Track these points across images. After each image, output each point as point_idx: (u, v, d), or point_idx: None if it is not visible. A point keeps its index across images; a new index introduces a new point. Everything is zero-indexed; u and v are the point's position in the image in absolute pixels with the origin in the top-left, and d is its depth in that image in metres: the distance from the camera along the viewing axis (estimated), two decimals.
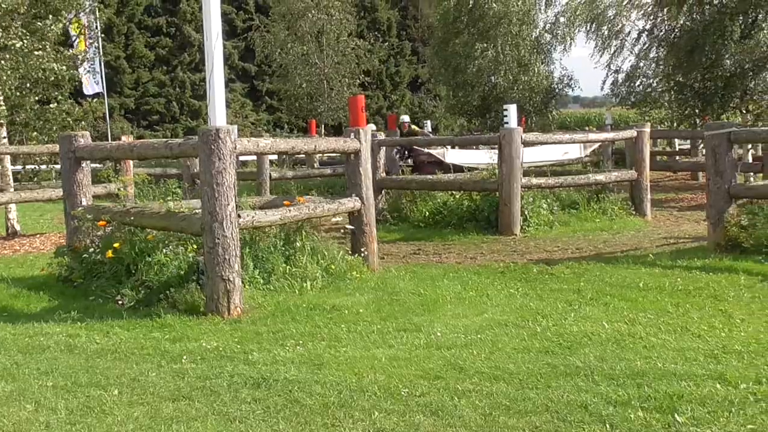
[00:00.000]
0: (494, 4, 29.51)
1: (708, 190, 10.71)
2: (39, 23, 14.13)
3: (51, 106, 14.74)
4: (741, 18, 23.69)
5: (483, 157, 17.17)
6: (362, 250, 9.91)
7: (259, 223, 8.37)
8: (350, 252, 9.92)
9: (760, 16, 24.00)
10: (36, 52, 13.91)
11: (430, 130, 32.12)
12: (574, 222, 13.75)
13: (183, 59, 47.59)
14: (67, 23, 15.26)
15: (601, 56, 30.10)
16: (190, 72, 47.48)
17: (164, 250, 8.39)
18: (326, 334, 6.92)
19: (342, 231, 11.13)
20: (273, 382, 5.59)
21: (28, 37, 13.94)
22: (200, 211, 7.89)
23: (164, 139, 11.10)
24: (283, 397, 5.29)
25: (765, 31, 23.63)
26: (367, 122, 20.56)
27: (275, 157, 21.87)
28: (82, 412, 5.12)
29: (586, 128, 32.13)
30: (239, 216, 7.83)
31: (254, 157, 20.56)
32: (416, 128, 23.82)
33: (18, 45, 13.67)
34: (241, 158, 21.02)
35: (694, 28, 24.44)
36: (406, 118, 23.84)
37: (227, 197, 7.63)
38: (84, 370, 6.02)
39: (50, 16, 14.43)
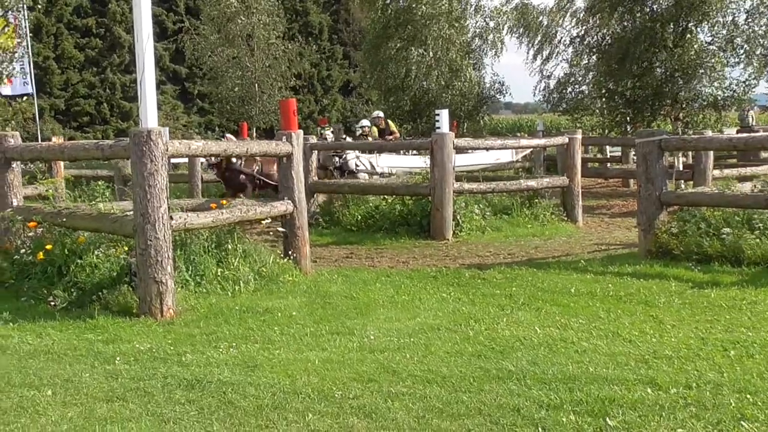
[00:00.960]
0: (423, 6, 29.64)
1: (639, 197, 10.85)
2: None
3: None
4: (672, 26, 24.09)
5: (415, 162, 17.29)
6: (294, 253, 9.92)
7: (191, 225, 8.35)
8: (282, 255, 9.92)
9: (691, 24, 24.44)
10: None
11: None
12: (506, 227, 13.85)
13: (113, 60, 47.10)
14: None
15: (533, 62, 30.45)
16: (120, 73, 47.00)
17: (96, 252, 8.32)
18: (259, 336, 6.93)
19: (273, 234, 11.11)
20: (207, 383, 5.60)
21: None
22: (132, 213, 7.84)
23: (95, 141, 11.00)
24: (216, 399, 5.30)
25: (695, 40, 24.09)
26: (299, 126, 20.11)
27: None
28: (16, 413, 5.08)
29: (518, 134, 32.48)
30: (171, 218, 7.81)
31: (186, 160, 20.38)
32: (393, 125, 23.03)
33: None
34: (173, 161, 20.82)
35: (625, 35, 24.80)
36: (380, 113, 23.02)
37: (159, 199, 7.61)
38: (17, 371, 5.96)
39: None
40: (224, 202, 9.65)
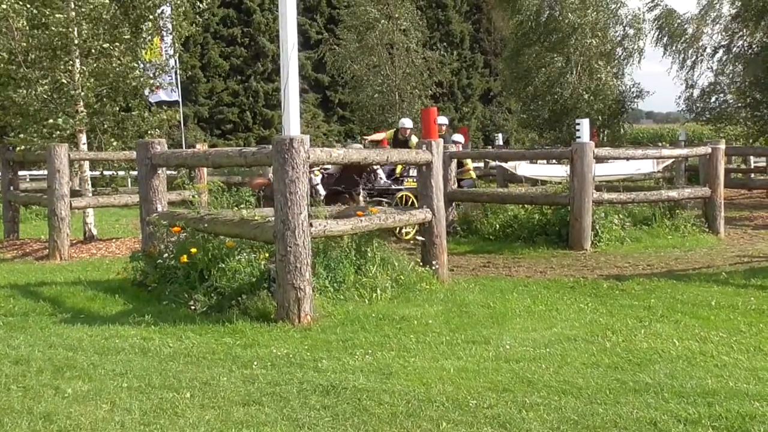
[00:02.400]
0: (570, 15, 29.32)
1: None
2: (126, 35, 14.44)
3: (132, 113, 15.03)
4: None
5: (556, 171, 17.07)
6: (432, 261, 9.93)
7: (330, 233, 8.44)
8: (420, 263, 9.95)
9: None
10: (120, 58, 14.25)
11: (501, 143, 31.96)
12: (645, 238, 13.60)
13: (257, 69, 48.22)
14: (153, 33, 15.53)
15: (678, 71, 29.76)
16: (264, 82, 48.12)
17: (237, 257, 8.51)
18: (395, 343, 6.95)
19: (412, 242, 11.14)
20: (342, 389, 5.64)
21: (115, 45, 14.30)
22: (273, 219, 7.99)
23: (238, 148, 11.25)
24: (351, 405, 5.33)
25: None
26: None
27: None
28: (156, 414, 5.23)
29: (660, 144, 31.74)
30: (311, 225, 7.91)
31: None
32: (414, 142, 17.17)
33: (115, 54, 14.05)
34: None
35: None
36: (407, 123, 18.19)
37: (300, 206, 7.72)
38: (157, 373, 6.14)
39: (145, 25, 14.76)
40: (374, 210, 9.69)
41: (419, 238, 10.19)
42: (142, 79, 14.74)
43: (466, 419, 5.05)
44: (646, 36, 31.14)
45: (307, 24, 48.52)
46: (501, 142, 32.41)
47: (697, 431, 4.76)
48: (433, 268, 9.86)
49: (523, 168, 17.95)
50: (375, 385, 5.73)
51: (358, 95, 35.13)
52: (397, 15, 32.66)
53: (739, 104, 26.32)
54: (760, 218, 17.92)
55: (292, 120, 8.17)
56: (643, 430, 4.82)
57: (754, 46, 25.54)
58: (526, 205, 14.39)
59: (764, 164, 24.83)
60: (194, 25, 16.44)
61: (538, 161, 20.56)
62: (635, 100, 33.03)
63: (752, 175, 24.58)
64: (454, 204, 15.29)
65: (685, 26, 29.74)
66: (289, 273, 7.68)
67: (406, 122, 18.17)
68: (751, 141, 25.85)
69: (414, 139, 17.30)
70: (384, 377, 5.95)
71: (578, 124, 13.79)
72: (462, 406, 5.29)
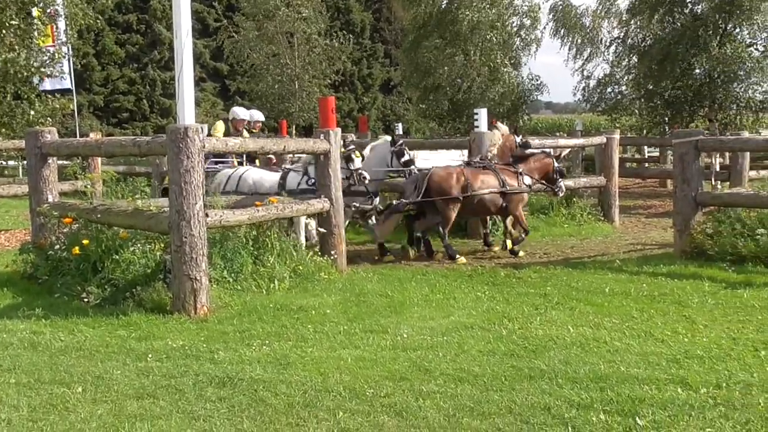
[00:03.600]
0: (467, 12, 29.53)
1: (675, 197, 10.81)
2: (14, 20, 14.01)
3: (22, 102, 14.62)
4: (712, 28, 23.90)
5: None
6: (331, 251, 9.90)
7: (227, 223, 8.35)
8: (319, 253, 9.91)
9: (731, 26, 24.25)
10: (9, 45, 13.83)
11: (401, 132, 32.09)
12: (542, 227, 13.80)
13: (153, 57, 47.42)
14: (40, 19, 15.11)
15: (574, 62, 30.33)
16: (161, 70, 47.31)
17: (131, 249, 8.35)
18: (293, 334, 6.92)
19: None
20: (238, 381, 5.60)
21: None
22: (168, 209, 7.86)
23: (132, 137, 11.02)
24: (248, 396, 5.29)
25: (736, 42, 23.89)
26: (338, 124, 18.75)
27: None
28: (45, 410, 5.10)
29: (557, 134, 32.27)
30: (207, 215, 7.81)
31: None
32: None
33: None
34: None
35: (666, 37, 24.69)
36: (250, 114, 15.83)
37: (195, 196, 7.61)
38: (47, 368, 5.99)
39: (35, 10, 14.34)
40: (273, 200, 9.55)
41: (318, 228, 10.10)
42: (32, 66, 14.33)
43: (362, 408, 5.06)
44: (543, 28, 31.59)
45: (205, 11, 47.95)
46: (401, 132, 32.52)
47: (589, 415, 4.86)
48: (332, 257, 9.84)
49: (422, 157, 18.01)
50: (272, 376, 5.71)
51: (257, 84, 34.81)
52: (297, 3, 32.44)
53: (634, 95, 26.92)
54: (654, 207, 18.34)
55: (187, 109, 8.06)
56: (537, 415, 4.90)
57: (648, 38, 26.14)
58: None
59: (657, 154, 25.41)
60: (95, 16, 16.01)
61: (438, 150, 20.65)
62: (534, 93, 33.52)
63: (646, 165, 25.15)
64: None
65: (582, 19, 30.28)
66: (184, 264, 7.57)
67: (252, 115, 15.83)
68: (645, 131, 26.46)
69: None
70: (281, 368, 5.92)
71: (476, 113, 13.89)
72: (359, 395, 5.30)
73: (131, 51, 47.12)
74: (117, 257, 8.25)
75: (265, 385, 5.50)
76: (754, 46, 24.78)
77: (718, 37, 23.84)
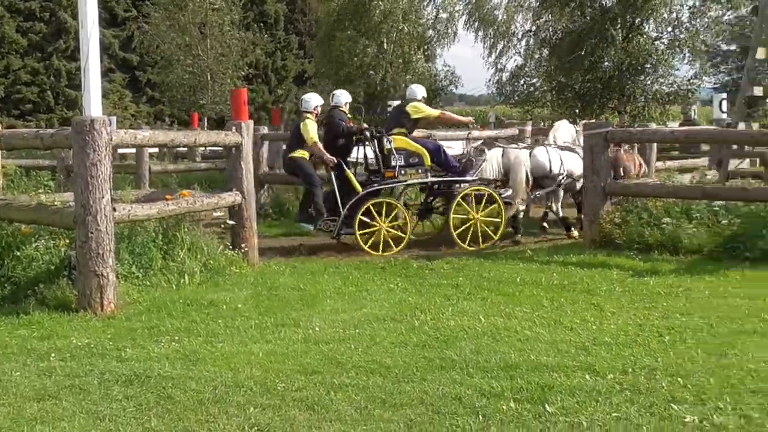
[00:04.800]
0: (380, 2, 29.57)
1: (584, 188, 10.98)
2: None
3: None
4: (620, 22, 24.39)
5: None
6: (242, 245, 9.79)
7: (135, 217, 8.18)
8: (230, 247, 9.79)
9: (638, 20, 24.77)
10: None
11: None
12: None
13: (59, 46, 46.25)
14: None
15: (488, 56, 30.68)
16: (66, 60, 46.13)
17: (34, 245, 8.11)
18: (203, 329, 6.82)
19: (222, 226, 10.97)
20: (146, 378, 5.48)
21: None
22: (73, 204, 7.66)
23: (35, 129, 10.70)
24: (156, 394, 5.19)
25: (643, 36, 24.43)
26: (251, 116, 18.45)
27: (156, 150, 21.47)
28: None
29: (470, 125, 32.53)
30: (114, 209, 7.63)
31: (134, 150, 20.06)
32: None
33: None
34: (121, 151, 20.51)
35: (576, 30, 25.13)
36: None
37: (102, 190, 7.43)
38: None
39: None
40: (185, 193, 9.40)
41: (229, 221, 9.97)
42: None
43: (274, 403, 5.00)
44: (457, 21, 31.86)
45: (113, 0, 47.01)
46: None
47: (499, 404, 4.90)
48: (243, 251, 9.74)
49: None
50: (181, 373, 5.61)
51: (168, 75, 34.36)
52: None
53: (546, 87, 27.38)
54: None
55: (93, 100, 7.85)
56: (448, 405, 4.91)
57: (559, 32, 26.57)
58: None
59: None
60: None
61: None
62: (449, 87, 33.77)
63: None
64: (266, 186, 15.13)
65: (496, 12, 30.64)
66: (90, 260, 7.39)
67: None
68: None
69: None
70: (191, 364, 5.83)
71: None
72: (270, 389, 5.25)
73: (34, 40, 45.87)
74: (18, 254, 8.01)
75: (174, 382, 5.39)
76: (660, 40, 25.39)
77: (625, 31, 24.35)
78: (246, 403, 5.01)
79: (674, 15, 25.58)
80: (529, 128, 15.35)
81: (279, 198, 15.23)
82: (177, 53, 33.11)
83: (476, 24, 31.59)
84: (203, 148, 21.42)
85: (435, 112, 12.72)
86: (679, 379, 5.29)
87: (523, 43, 29.48)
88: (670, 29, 25.76)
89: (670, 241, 9.95)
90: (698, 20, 25.86)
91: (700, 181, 12.66)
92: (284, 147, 12.32)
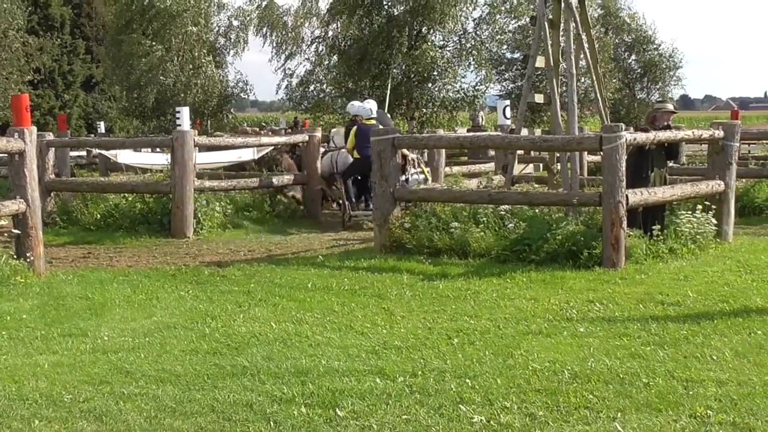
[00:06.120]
0: (167, 1, 29.20)
1: (374, 193, 11.23)
2: None
3: None
4: (407, 30, 25.08)
5: (158, 159, 16.95)
6: (27, 254, 9.50)
7: None
8: (14, 256, 9.48)
9: (425, 29, 25.57)
10: None
11: (103, 131, 31.25)
12: (248, 224, 13.91)
13: None
14: None
15: (276, 61, 30.81)
16: None
17: None
18: None
19: (7, 235, 10.62)
20: None
21: None
22: None
23: None
24: None
25: (429, 44, 25.23)
26: (35, 122, 18.04)
27: None
28: None
29: (261, 132, 32.65)
30: None
31: None
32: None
33: None
34: None
35: (364, 37, 25.66)
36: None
37: None
38: None
39: None
40: None
41: (14, 231, 9.68)
42: None
43: (60, 415, 4.95)
44: (248, 26, 31.87)
45: None
46: (103, 130, 31.67)
47: (290, 409, 4.99)
48: (28, 260, 9.44)
49: (124, 156, 17.64)
50: None
51: None
52: None
53: (336, 93, 27.76)
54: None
55: None
56: (239, 412, 4.98)
57: (348, 38, 27.03)
58: (128, 195, 14.14)
59: None
60: None
61: (142, 149, 20.31)
62: (240, 95, 33.71)
63: None
64: (53, 194, 14.70)
65: (284, 18, 30.81)
66: None
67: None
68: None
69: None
70: None
71: (178, 112, 13.81)
72: (56, 401, 5.18)
73: None
74: None
75: None
76: (446, 49, 26.28)
77: (411, 40, 25.08)
78: (30, 416, 4.92)
79: (460, 25, 26.53)
80: (318, 134, 15.55)
81: (66, 205, 14.82)
82: None
83: (265, 29, 31.67)
84: None
85: None
86: (467, 380, 5.49)
87: (312, 49, 29.83)
88: (455, 38, 26.72)
89: (459, 245, 10.23)
90: (484, 30, 26.94)
91: (487, 186, 13.20)
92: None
